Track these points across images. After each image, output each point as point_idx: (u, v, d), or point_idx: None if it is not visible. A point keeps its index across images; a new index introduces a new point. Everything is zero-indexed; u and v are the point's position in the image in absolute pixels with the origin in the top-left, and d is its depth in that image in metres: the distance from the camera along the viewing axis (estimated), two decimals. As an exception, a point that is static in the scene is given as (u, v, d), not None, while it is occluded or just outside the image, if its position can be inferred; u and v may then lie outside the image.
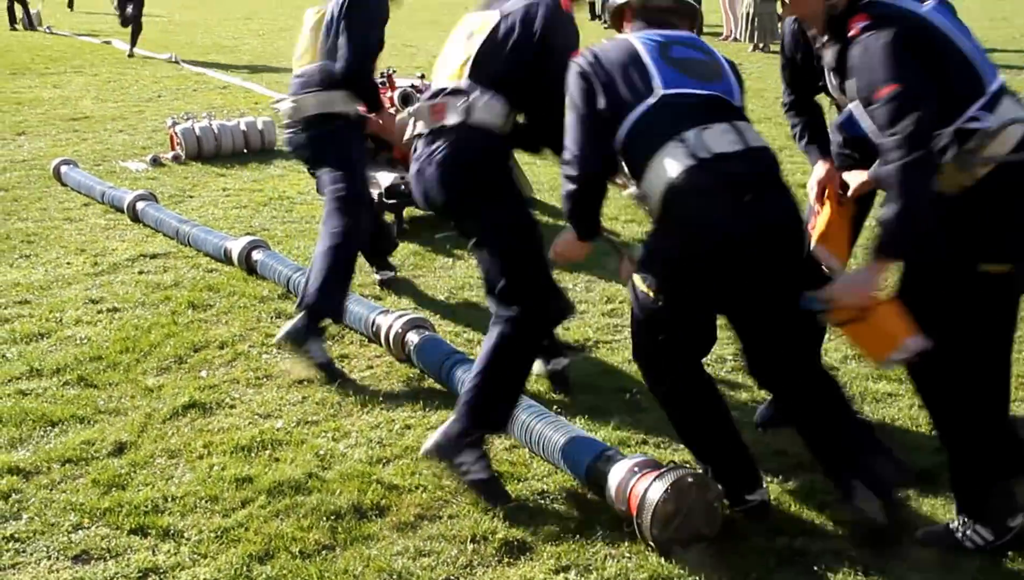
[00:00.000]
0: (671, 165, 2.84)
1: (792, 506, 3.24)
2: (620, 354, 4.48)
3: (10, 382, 4.12)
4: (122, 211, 6.53)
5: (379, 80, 6.18)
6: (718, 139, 2.87)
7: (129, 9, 15.73)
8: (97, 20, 23.04)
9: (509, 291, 3.43)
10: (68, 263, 5.67)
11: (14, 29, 20.32)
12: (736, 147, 2.88)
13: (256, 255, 5.40)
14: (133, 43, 15.73)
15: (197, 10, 26.86)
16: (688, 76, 2.96)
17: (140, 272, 5.50)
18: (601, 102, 2.96)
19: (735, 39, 17.38)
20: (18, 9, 20.62)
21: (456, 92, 3.43)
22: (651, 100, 2.91)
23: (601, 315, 4.97)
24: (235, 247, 5.49)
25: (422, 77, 6.30)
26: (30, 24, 20.43)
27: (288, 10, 26.61)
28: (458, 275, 5.51)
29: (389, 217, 6.21)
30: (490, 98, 3.39)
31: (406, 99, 5.97)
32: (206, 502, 3.26)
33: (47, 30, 20.00)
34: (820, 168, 3.53)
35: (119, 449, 3.60)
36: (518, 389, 3.47)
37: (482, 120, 3.39)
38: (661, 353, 3.12)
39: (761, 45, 15.89)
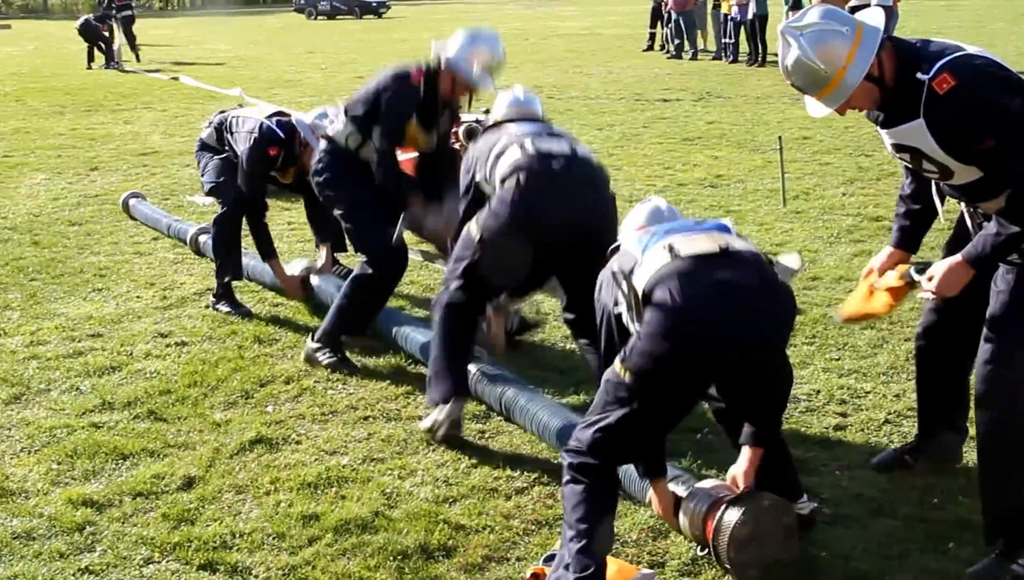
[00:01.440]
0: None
1: (870, 548, 3.18)
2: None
3: (84, 414, 4.24)
4: (186, 243, 6.69)
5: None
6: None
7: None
8: (164, 57, 23.70)
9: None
10: (138, 297, 5.82)
11: (89, 69, 21.00)
12: None
13: (313, 280, 5.53)
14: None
15: (261, 45, 27.53)
16: None
17: (207, 306, 5.61)
18: None
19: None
20: (99, 57, 21.32)
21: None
22: None
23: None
24: (292, 271, 5.63)
25: (487, 112, 6.35)
26: (112, 61, 21.08)
27: (350, 44, 27.17)
28: (522, 311, 5.52)
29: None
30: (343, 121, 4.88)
31: (471, 134, 6.03)
32: (273, 539, 3.30)
33: (118, 66, 20.64)
34: (886, 252, 3.48)
35: (188, 483, 3.66)
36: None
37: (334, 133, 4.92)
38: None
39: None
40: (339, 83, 17.15)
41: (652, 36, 22.12)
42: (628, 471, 3.44)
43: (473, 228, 3.89)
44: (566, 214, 3.76)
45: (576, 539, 2.88)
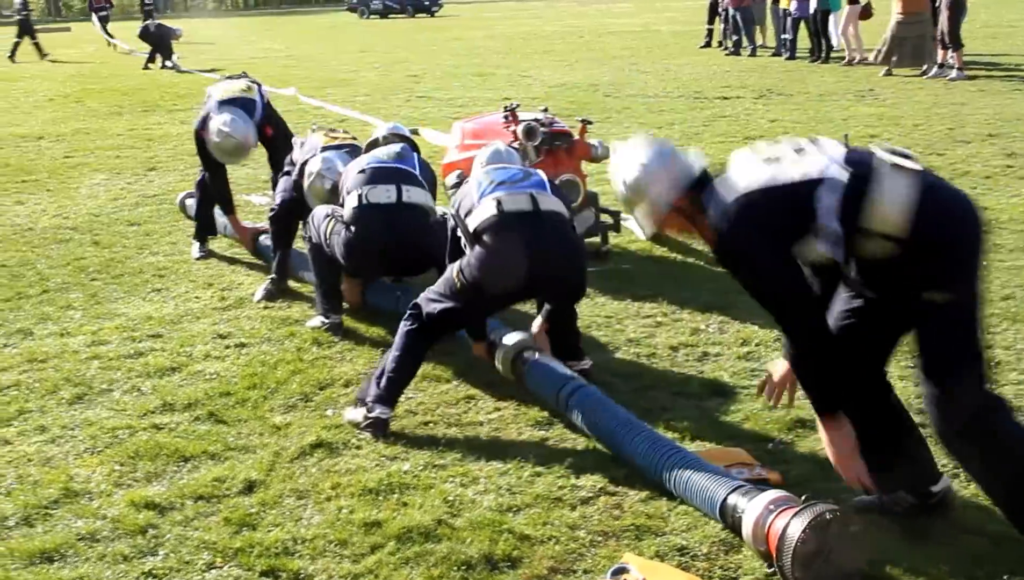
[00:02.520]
0: None
1: (956, 568, 3.08)
2: (760, 400, 4.34)
3: (146, 415, 4.27)
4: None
5: (503, 114, 6.24)
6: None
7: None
8: (218, 56, 24.00)
9: None
10: (197, 297, 5.86)
11: (147, 69, 21.34)
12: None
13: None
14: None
15: (314, 44, 27.79)
16: None
17: (265, 307, 5.64)
18: None
19: (859, 62, 17.04)
20: (157, 61, 21.69)
21: None
22: None
23: (736, 358, 4.85)
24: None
25: (545, 110, 6.32)
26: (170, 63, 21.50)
27: (403, 42, 27.30)
28: (585, 313, 5.45)
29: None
30: None
31: (530, 133, 5.99)
32: (335, 546, 3.28)
33: (175, 67, 20.94)
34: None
35: (249, 487, 3.66)
36: None
37: None
38: None
39: (887, 69, 15.51)
40: (393, 82, 17.22)
41: (710, 32, 21.91)
42: (692, 483, 3.38)
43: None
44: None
45: (392, 371, 4.14)
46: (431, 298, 4.26)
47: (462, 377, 4.59)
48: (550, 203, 4.28)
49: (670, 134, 11.05)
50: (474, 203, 4.26)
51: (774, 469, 3.68)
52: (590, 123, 6.48)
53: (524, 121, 6.04)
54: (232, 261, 6.60)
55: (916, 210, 2.88)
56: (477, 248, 4.17)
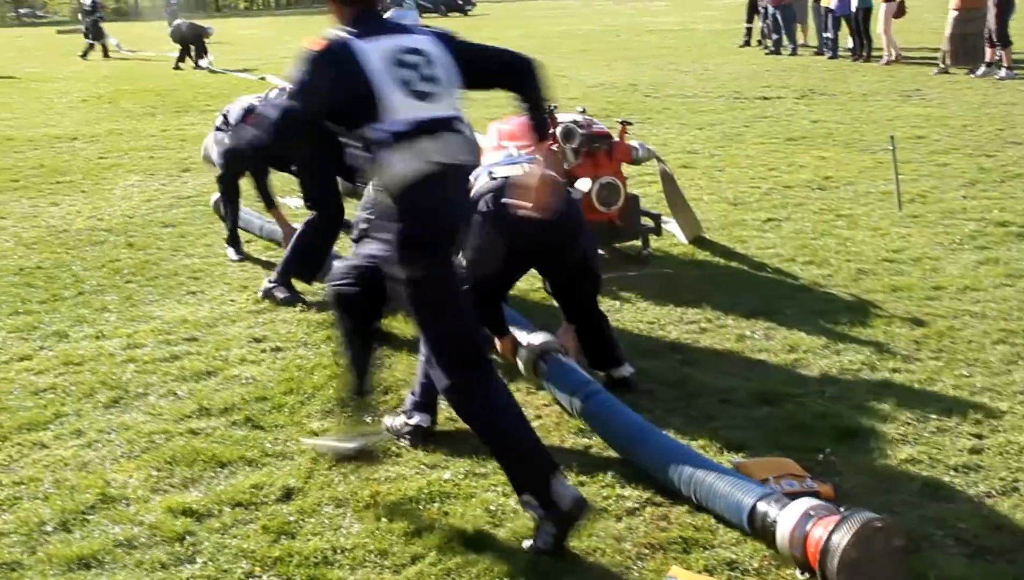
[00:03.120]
0: None
1: None
2: (808, 410, 4.29)
3: (182, 420, 4.27)
4: (279, 244, 6.74)
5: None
6: None
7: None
8: (250, 56, 24.14)
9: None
10: (232, 300, 5.88)
11: (178, 69, 21.55)
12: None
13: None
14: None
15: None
16: None
17: (301, 310, 5.63)
18: None
19: (894, 61, 16.88)
20: (188, 61, 21.92)
21: None
22: None
23: (784, 366, 4.78)
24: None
25: (583, 111, 6.27)
26: (199, 62, 21.73)
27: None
28: (627, 319, 5.42)
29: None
30: None
31: (568, 135, 5.94)
32: (376, 556, 3.25)
33: (208, 67, 21.10)
34: None
35: (287, 495, 3.65)
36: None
37: None
38: None
39: (943, 68, 15.32)
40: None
41: (748, 31, 21.78)
42: (716, 489, 3.34)
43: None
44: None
45: (425, 378, 4.03)
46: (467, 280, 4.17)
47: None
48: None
49: (711, 135, 10.98)
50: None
51: (825, 481, 3.62)
52: (630, 124, 6.43)
53: (562, 123, 5.99)
54: (268, 264, 6.61)
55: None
56: (475, 217, 4.26)
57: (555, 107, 6.19)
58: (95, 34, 26.40)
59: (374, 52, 3.22)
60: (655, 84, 15.64)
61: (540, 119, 3.60)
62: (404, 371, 4.78)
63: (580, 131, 5.95)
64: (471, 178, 5.41)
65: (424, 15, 44.40)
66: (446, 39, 3.44)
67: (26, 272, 6.59)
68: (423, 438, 4.04)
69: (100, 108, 15.23)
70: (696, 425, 4.16)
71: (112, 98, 16.39)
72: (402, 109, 3.21)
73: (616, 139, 6.20)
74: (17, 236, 7.57)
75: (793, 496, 3.30)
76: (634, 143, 6.33)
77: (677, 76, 16.62)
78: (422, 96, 3.25)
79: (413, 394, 4.13)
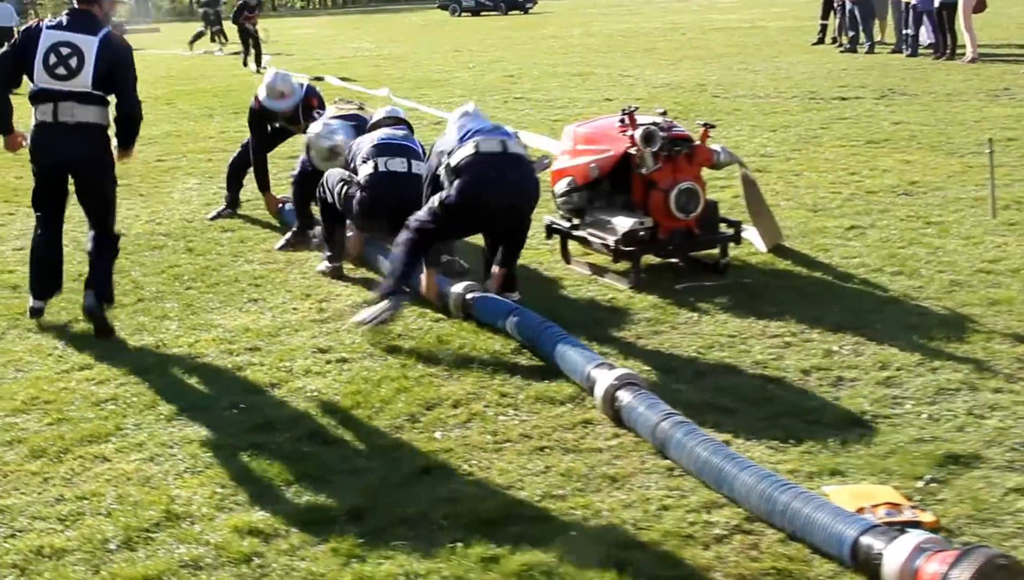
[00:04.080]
0: None
1: None
2: (905, 433, 4.14)
3: (246, 434, 4.25)
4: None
5: (620, 117, 6.11)
6: None
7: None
8: (308, 56, 24.35)
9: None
10: (294, 309, 5.87)
11: (246, 66, 21.87)
12: None
13: (472, 297, 5.51)
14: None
15: (406, 44, 28.02)
16: None
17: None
18: None
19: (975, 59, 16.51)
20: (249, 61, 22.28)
21: None
22: None
23: (876, 384, 4.62)
24: (452, 292, 5.57)
25: (664, 113, 6.17)
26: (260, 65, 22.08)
27: (497, 41, 27.36)
28: (705, 332, 5.30)
29: (623, 265, 6.10)
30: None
31: (649, 138, 5.84)
32: (451, 583, 3.18)
33: (265, 67, 21.32)
34: None
35: (356, 515, 3.59)
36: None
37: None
38: None
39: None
40: (489, 82, 17.22)
41: (823, 28, 21.43)
42: (812, 519, 3.22)
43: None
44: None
45: (397, 265, 5.45)
46: (417, 219, 5.47)
47: (578, 399, 4.47)
48: (516, 148, 5.57)
49: (785, 137, 10.80)
50: (455, 146, 5.52)
51: (926, 510, 3.48)
52: (712, 127, 6.30)
53: (642, 125, 5.89)
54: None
55: None
56: (456, 180, 5.38)
57: (635, 108, 6.09)
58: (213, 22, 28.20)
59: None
60: (724, 84, 15.44)
61: None
62: (474, 383, 4.72)
63: (661, 134, 5.85)
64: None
65: (483, 12, 44.66)
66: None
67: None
68: (399, 307, 5.36)
69: (158, 109, 15.40)
70: (784, 448, 4.04)
71: (170, 99, 16.60)
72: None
73: (697, 142, 6.08)
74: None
75: (897, 527, 3.19)
76: (716, 147, 6.21)
77: (747, 75, 16.40)
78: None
79: (388, 284, 5.41)
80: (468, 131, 5.57)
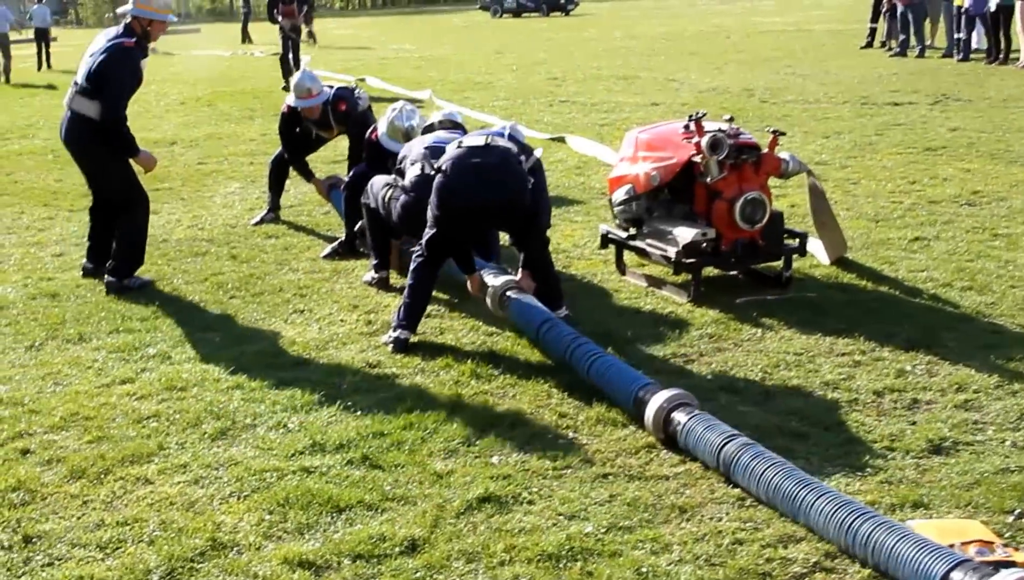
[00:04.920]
0: None
1: None
2: (988, 461, 3.89)
3: (294, 456, 4.06)
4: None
5: (685, 123, 5.88)
6: None
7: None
8: (348, 57, 24.29)
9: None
10: (342, 320, 5.69)
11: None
12: None
13: (512, 293, 5.34)
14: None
15: (447, 45, 27.89)
16: None
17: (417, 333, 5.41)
18: None
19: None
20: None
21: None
22: None
23: (953, 407, 4.38)
24: (491, 284, 5.43)
25: (731, 120, 5.92)
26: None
27: (539, 43, 27.15)
28: (771, 349, 5.06)
29: (682, 277, 5.88)
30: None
31: (716, 145, 5.60)
32: (514, 623, 2.98)
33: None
34: None
35: (412, 546, 3.40)
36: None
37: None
38: None
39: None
40: (532, 85, 17.01)
41: (873, 31, 21.06)
42: (896, 553, 3.00)
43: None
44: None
45: (407, 298, 5.31)
46: (424, 235, 5.35)
47: (641, 422, 4.24)
48: (500, 141, 5.34)
49: (839, 144, 10.51)
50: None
51: (1019, 547, 3.24)
52: (782, 134, 6.04)
53: (709, 132, 5.65)
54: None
55: None
56: (439, 177, 5.26)
57: (703, 114, 5.85)
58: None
59: None
60: (773, 89, 15.14)
61: None
62: (530, 402, 4.52)
63: (728, 141, 5.61)
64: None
65: (524, 14, 44.49)
66: None
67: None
68: (404, 347, 5.17)
69: (198, 111, 15.36)
70: (862, 476, 3.81)
71: (210, 100, 16.52)
72: None
73: (765, 150, 5.84)
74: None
75: (992, 566, 2.96)
76: (784, 155, 5.96)
77: (796, 80, 16.08)
78: None
79: (399, 315, 5.28)
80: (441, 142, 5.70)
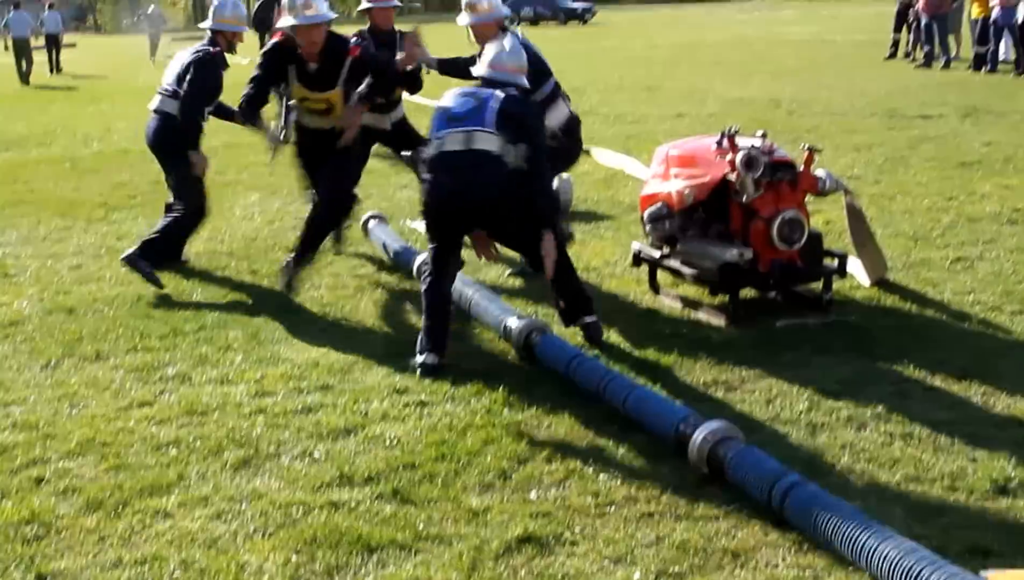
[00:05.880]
0: None
1: None
2: (1058, 502, 3.67)
3: (321, 489, 3.85)
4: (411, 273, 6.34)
5: (718, 139, 5.67)
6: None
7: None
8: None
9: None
10: (366, 341, 5.48)
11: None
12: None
13: (536, 338, 5.07)
14: None
15: (465, 53, 27.68)
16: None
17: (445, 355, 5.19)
18: None
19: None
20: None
21: None
22: None
23: (1016, 444, 4.14)
24: (515, 328, 5.15)
25: (764, 135, 5.71)
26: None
27: (558, 52, 26.94)
28: (816, 377, 4.83)
29: (717, 298, 5.67)
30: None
31: (751, 163, 5.39)
32: (561, 682, 2.77)
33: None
34: None
35: (448, 592, 3.19)
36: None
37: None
38: None
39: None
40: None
41: (896, 42, 20.82)
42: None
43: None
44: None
45: (427, 321, 5.14)
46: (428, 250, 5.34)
47: (684, 455, 4.02)
48: (482, 143, 5.09)
49: (871, 158, 10.29)
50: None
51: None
52: (819, 151, 5.82)
53: (743, 148, 5.44)
54: (401, 297, 6.23)
55: None
56: (423, 178, 5.34)
57: (737, 130, 5.63)
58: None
59: None
60: (800, 100, 14.91)
61: None
62: (566, 433, 4.31)
63: (763, 158, 5.39)
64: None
65: (541, 23, 44.34)
66: None
67: (144, 301, 6.32)
68: (435, 373, 4.92)
69: (213, 120, 15.15)
70: (924, 519, 3.58)
71: (228, 109, 16.34)
72: None
73: (801, 168, 5.62)
74: (114, 249, 7.37)
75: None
76: (821, 172, 5.73)
77: (822, 91, 15.85)
78: None
79: (424, 340, 5.06)
80: (445, 120, 5.21)
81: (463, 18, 6.67)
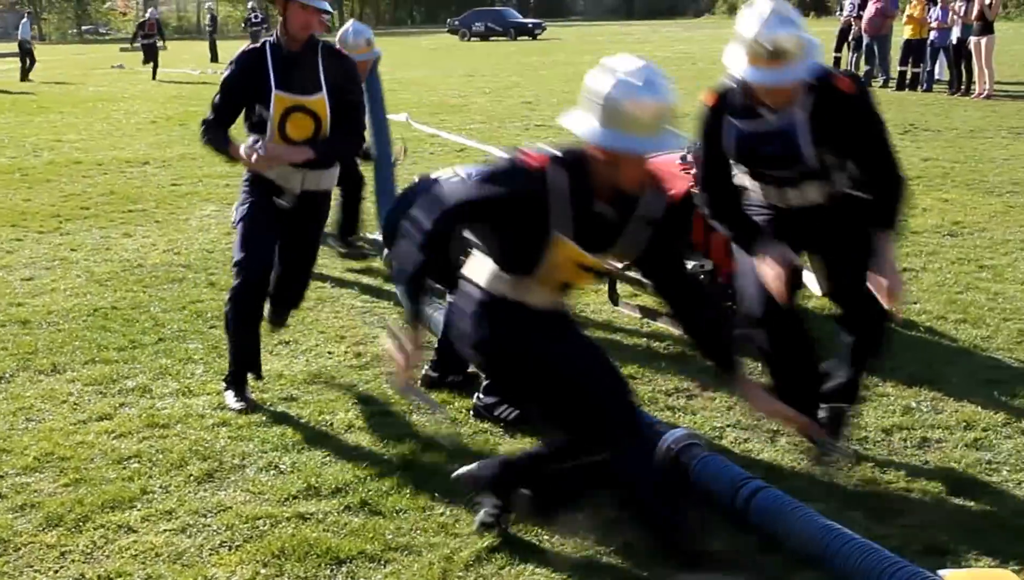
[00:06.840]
0: None
1: None
2: (1009, 505, 3.72)
3: (287, 501, 3.77)
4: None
5: (681, 155, 5.68)
6: None
7: None
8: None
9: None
10: (329, 353, 5.40)
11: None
12: None
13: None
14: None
15: (419, 68, 27.65)
16: None
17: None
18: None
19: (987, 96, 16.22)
20: None
21: None
22: None
23: (964, 447, 4.20)
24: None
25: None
26: None
27: (510, 66, 27.04)
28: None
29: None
30: None
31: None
32: None
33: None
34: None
35: (419, 604, 3.14)
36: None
37: None
38: None
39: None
40: (507, 108, 16.82)
41: (836, 61, 21.11)
42: None
43: None
44: None
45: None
46: None
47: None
48: None
49: (816, 171, 10.38)
50: None
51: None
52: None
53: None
54: (363, 310, 6.15)
55: None
56: None
57: (698, 145, 5.64)
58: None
59: None
60: (745, 115, 15.05)
61: None
62: (532, 440, 4.27)
63: None
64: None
65: (492, 38, 44.42)
66: None
67: (101, 313, 6.17)
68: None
69: (171, 130, 14.97)
70: (882, 520, 3.60)
71: (182, 119, 16.09)
72: None
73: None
74: (89, 271, 7.19)
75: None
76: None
77: (765, 107, 16.01)
78: None
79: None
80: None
81: None
